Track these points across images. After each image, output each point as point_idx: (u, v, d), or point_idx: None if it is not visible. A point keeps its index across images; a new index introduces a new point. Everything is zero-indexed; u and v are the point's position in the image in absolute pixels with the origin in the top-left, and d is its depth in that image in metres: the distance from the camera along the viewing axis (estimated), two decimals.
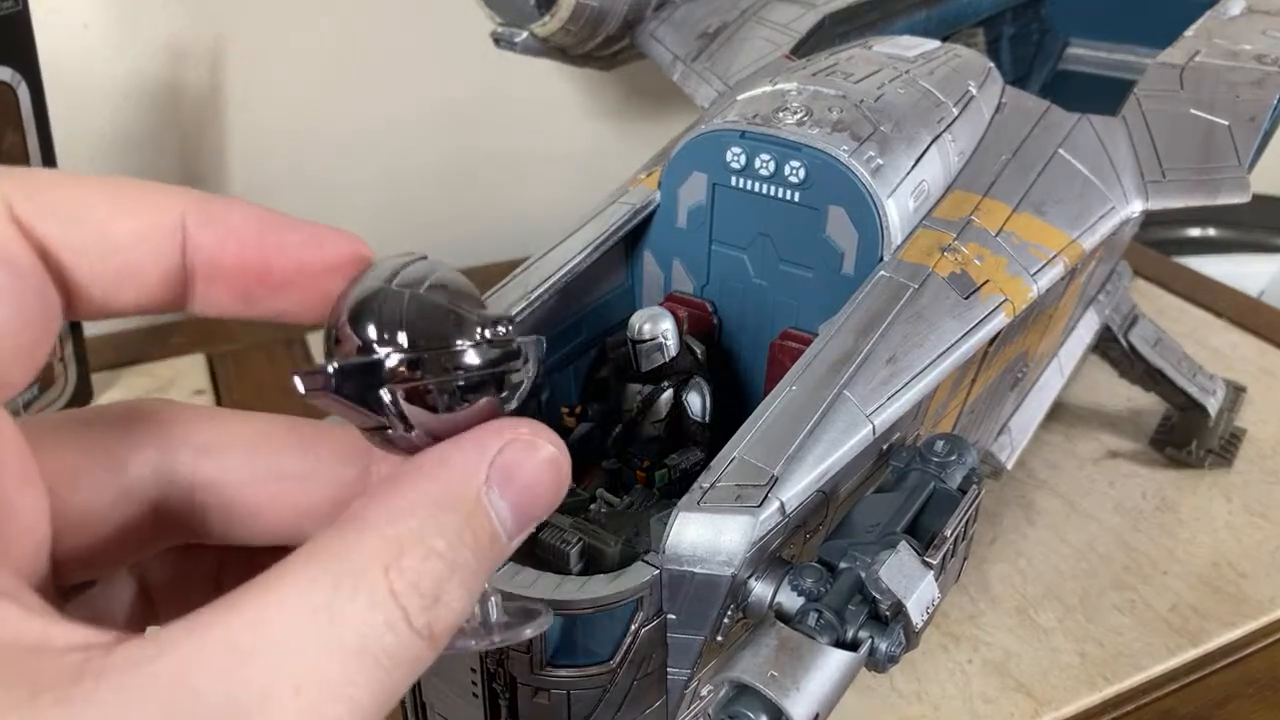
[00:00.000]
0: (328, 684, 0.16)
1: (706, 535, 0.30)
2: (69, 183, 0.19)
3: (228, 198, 0.20)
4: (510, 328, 0.21)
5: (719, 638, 0.32)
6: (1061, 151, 0.45)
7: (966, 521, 0.32)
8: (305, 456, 0.22)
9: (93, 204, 0.19)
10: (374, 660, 0.16)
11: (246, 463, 0.21)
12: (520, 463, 0.19)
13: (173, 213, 0.19)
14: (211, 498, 0.21)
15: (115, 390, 0.67)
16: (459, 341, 0.20)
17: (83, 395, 0.65)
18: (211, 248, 0.20)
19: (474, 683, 0.32)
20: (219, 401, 0.67)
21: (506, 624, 0.21)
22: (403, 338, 0.19)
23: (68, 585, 0.21)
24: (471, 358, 0.20)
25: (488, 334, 0.20)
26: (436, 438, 0.20)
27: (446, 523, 0.18)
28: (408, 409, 0.19)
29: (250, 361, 0.72)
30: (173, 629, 0.16)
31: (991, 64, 0.50)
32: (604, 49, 0.63)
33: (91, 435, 0.21)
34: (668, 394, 0.40)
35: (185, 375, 0.70)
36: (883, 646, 0.29)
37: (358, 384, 0.19)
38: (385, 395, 0.19)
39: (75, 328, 0.63)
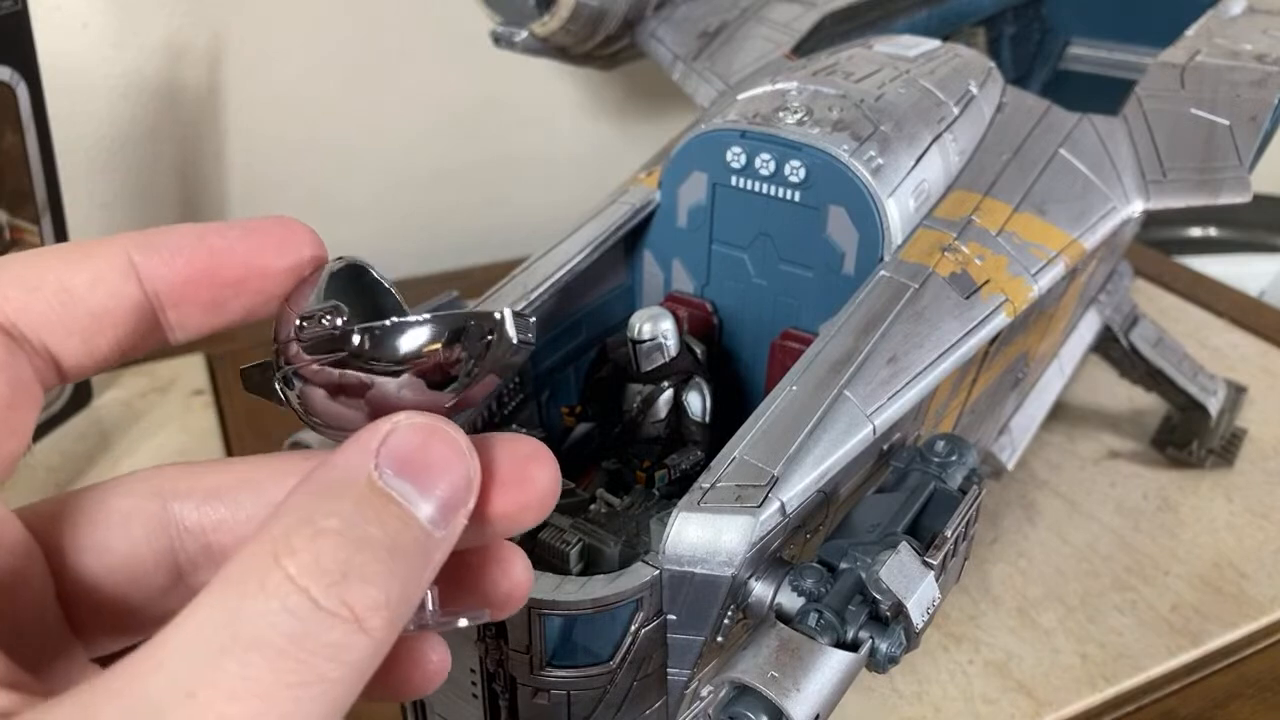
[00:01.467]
0: (222, 682, 0.15)
1: (706, 535, 0.30)
2: (23, 257, 0.20)
3: (166, 227, 0.21)
4: (432, 317, 0.20)
5: (719, 638, 0.32)
6: (1062, 151, 0.45)
7: (967, 522, 0.32)
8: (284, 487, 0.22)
9: (47, 268, 0.20)
10: (277, 650, 0.16)
11: (245, 501, 0.22)
12: (413, 443, 0.19)
13: (118, 254, 0.20)
14: (225, 538, 0.22)
15: (115, 390, 0.67)
16: (364, 325, 0.20)
17: (82, 395, 0.65)
18: (163, 271, 0.20)
19: (474, 683, 0.32)
20: (218, 402, 0.67)
21: (443, 612, 0.21)
22: (318, 322, 0.20)
23: (99, 652, 0.21)
24: (386, 343, 0.19)
25: (397, 319, 0.20)
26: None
27: (335, 506, 0.18)
28: (316, 398, 0.20)
29: (249, 361, 0.72)
30: (93, 678, 0.16)
31: (992, 63, 0.49)
32: (604, 48, 0.63)
33: (93, 502, 0.21)
34: (668, 394, 0.40)
35: (185, 375, 0.70)
36: (883, 647, 0.29)
37: (263, 379, 0.20)
38: (292, 384, 0.19)
39: None
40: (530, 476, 0.21)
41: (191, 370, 0.70)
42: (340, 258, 0.21)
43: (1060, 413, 0.65)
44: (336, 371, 0.20)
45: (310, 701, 0.16)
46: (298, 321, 0.20)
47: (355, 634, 0.17)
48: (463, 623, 0.21)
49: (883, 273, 0.38)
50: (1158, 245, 0.93)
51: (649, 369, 0.40)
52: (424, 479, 0.19)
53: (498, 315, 0.20)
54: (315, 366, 0.20)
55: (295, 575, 0.16)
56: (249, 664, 0.16)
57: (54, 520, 0.21)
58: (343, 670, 0.16)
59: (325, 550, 0.17)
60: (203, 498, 0.21)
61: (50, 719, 0.15)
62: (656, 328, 0.39)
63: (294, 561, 0.16)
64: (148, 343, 0.21)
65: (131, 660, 0.16)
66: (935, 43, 0.49)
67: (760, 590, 0.31)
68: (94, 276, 0.20)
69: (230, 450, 0.63)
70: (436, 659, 0.22)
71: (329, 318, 0.20)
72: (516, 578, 0.22)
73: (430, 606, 0.20)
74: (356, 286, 0.21)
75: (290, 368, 0.20)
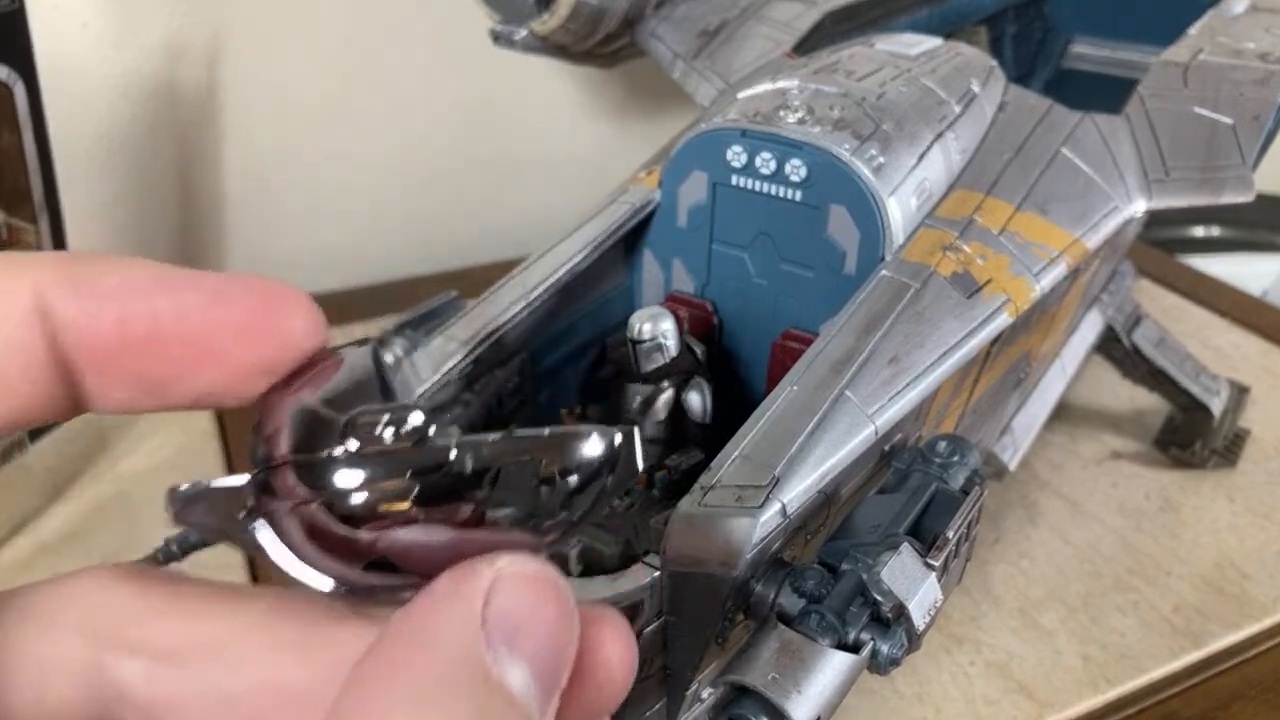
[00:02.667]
0: None
1: (707, 537, 0.30)
2: None
3: (110, 256, 0.16)
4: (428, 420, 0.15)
5: (720, 640, 0.32)
6: (1064, 150, 0.45)
7: (969, 523, 0.32)
8: (303, 661, 0.15)
9: None
10: None
11: (217, 674, 0.15)
12: (525, 604, 0.14)
13: (22, 291, 0.14)
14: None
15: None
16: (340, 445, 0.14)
17: None
18: (84, 324, 0.15)
19: None
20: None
21: None
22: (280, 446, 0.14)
23: None
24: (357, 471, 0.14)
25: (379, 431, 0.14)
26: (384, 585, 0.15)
27: (449, 714, 0.13)
28: (292, 544, 0.14)
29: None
30: None
31: (994, 62, 0.49)
32: (604, 47, 0.63)
33: (3, 639, 0.15)
34: (668, 394, 0.40)
35: None
36: (884, 648, 0.29)
37: (213, 513, 0.14)
38: (278, 520, 0.14)
39: None
40: (603, 661, 0.16)
41: None
42: (364, 341, 0.16)
43: (1062, 413, 0.64)
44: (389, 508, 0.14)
45: None
46: (343, 425, 0.14)
47: None
48: None
49: (884, 272, 0.38)
50: (1160, 245, 0.93)
51: (649, 369, 0.39)
52: (535, 650, 0.14)
53: (618, 438, 0.16)
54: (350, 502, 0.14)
55: None
56: None
57: None
58: None
59: None
60: (154, 658, 0.15)
61: None
62: (656, 328, 0.39)
63: None
64: (51, 413, 0.15)
65: None
66: (937, 41, 0.49)
67: (761, 591, 0.31)
68: None
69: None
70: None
71: (389, 427, 0.14)
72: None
73: None
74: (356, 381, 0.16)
75: (287, 502, 0.14)
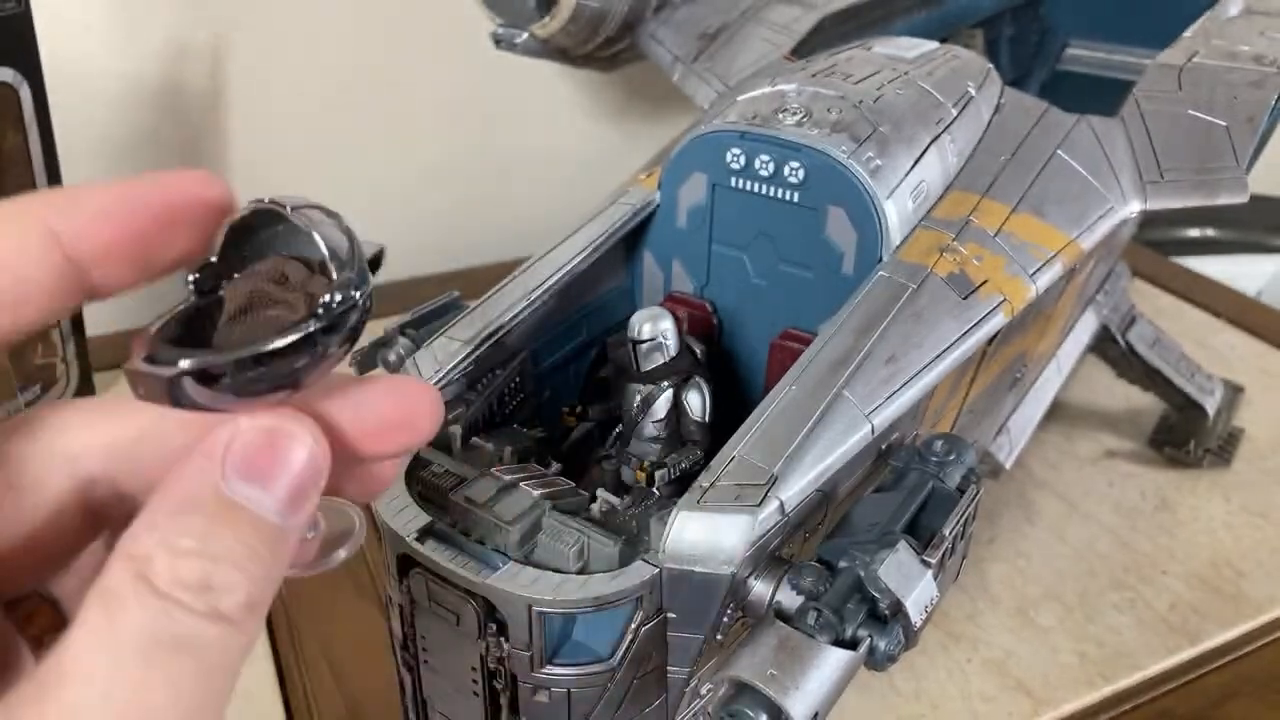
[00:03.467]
0: (126, 682, 0.18)
1: (706, 534, 0.30)
2: None
3: (81, 186, 0.21)
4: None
5: (719, 636, 0.32)
6: (1060, 152, 0.45)
7: (965, 521, 0.32)
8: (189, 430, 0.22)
9: None
10: (165, 648, 0.18)
11: (152, 454, 0.22)
12: (255, 446, 0.20)
13: (36, 220, 0.20)
14: (134, 484, 0.22)
15: (118, 389, 0.67)
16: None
17: (85, 394, 0.65)
18: (86, 234, 0.20)
19: (474, 680, 0.33)
20: None
21: (320, 552, 0.23)
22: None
23: (13, 594, 0.22)
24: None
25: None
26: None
27: (189, 524, 0.19)
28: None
29: None
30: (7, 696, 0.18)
31: (990, 65, 0.50)
32: (604, 50, 0.64)
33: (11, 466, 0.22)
34: (667, 394, 0.40)
35: None
36: (882, 645, 0.29)
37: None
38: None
39: (77, 327, 0.63)
40: (411, 416, 0.22)
41: None
42: (257, 200, 0.21)
43: (1058, 412, 0.65)
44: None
45: (200, 681, 0.18)
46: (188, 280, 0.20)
47: (229, 629, 0.19)
48: (341, 555, 0.23)
49: (881, 273, 0.38)
50: (1155, 245, 0.93)
51: (649, 369, 0.40)
52: (269, 479, 0.20)
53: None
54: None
55: (165, 590, 0.18)
56: (151, 663, 0.18)
57: None
58: (224, 656, 0.19)
59: (185, 570, 0.19)
60: (104, 454, 0.22)
61: None
62: (656, 328, 0.39)
63: (161, 579, 0.18)
64: (72, 305, 0.21)
65: (41, 672, 0.18)
66: (933, 44, 0.50)
67: (759, 589, 0.31)
68: (15, 244, 0.20)
69: None
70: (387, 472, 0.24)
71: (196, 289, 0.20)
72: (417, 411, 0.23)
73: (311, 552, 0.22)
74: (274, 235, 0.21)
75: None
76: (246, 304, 0.20)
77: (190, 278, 0.20)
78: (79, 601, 0.19)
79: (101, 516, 0.23)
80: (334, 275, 0.20)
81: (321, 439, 0.21)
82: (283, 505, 0.20)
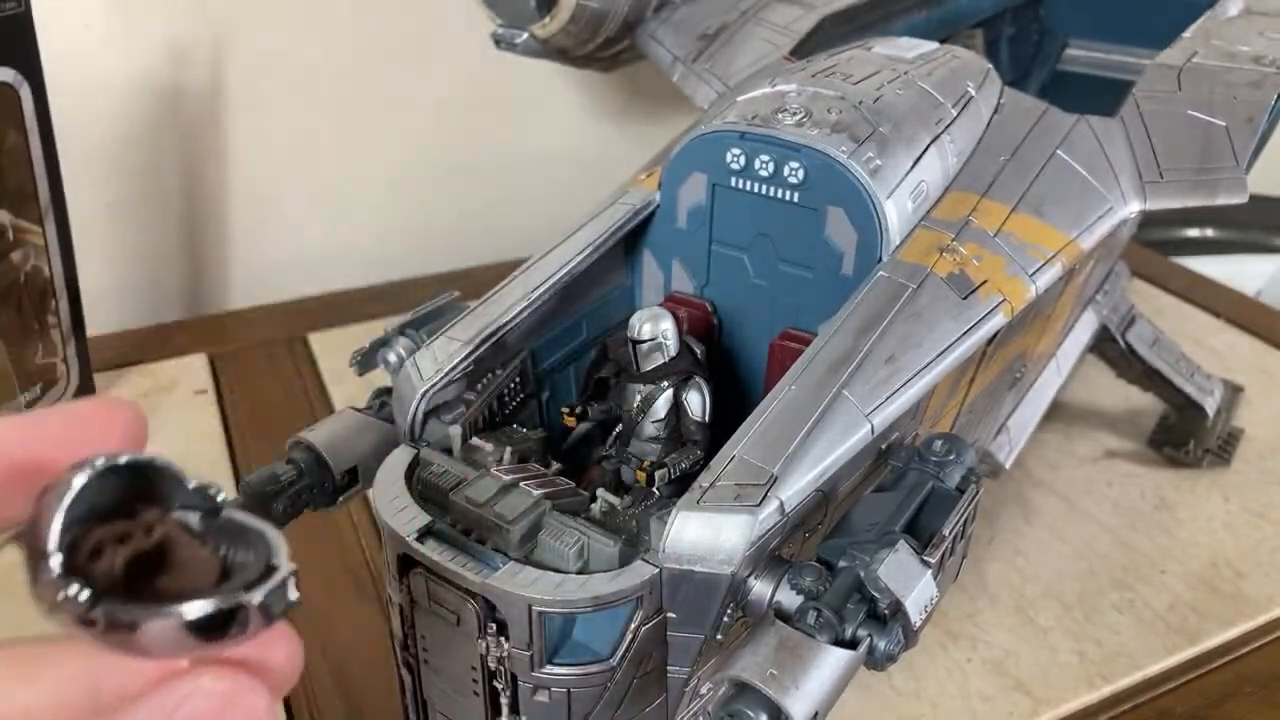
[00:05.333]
0: None
1: (706, 534, 0.30)
2: None
3: None
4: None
5: (718, 636, 0.32)
6: (1060, 152, 0.45)
7: (965, 520, 0.32)
8: (29, 688, 0.20)
9: None
10: None
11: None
12: (210, 714, 0.19)
13: None
14: None
15: (118, 390, 0.68)
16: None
17: (85, 394, 0.65)
18: None
19: (474, 680, 0.33)
20: (221, 401, 0.68)
21: None
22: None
23: None
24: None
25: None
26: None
27: None
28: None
29: (251, 361, 0.72)
30: None
31: (990, 65, 0.50)
32: (604, 50, 0.64)
33: None
34: (667, 394, 0.40)
35: (187, 375, 0.70)
36: (881, 645, 0.29)
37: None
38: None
39: (77, 328, 0.63)
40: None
41: (193, 370, 0.71)
42: (110, 455, 0.19)
43: (1057, 412, 0.65)
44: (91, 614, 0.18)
45: None
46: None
47: None
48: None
49: (881, 273, 0.38)
50: (1155, 246, 0.93)
51: (649, 369, 0.40)
52: None
53: (277, 579, 0.19)
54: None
55: None
56: None
57: None
58: None
59: None
60: None
61: None
62: (656, 328, 0.39)
63: None
64: None
65: None
66: (933, 45, 0.50)
67: (759, 588, 0.31)
68: None
69: (233, 449, 0.63)
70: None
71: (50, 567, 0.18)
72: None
73: None
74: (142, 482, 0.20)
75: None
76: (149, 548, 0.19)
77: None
78: None
79: None
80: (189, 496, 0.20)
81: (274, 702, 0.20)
82: None
